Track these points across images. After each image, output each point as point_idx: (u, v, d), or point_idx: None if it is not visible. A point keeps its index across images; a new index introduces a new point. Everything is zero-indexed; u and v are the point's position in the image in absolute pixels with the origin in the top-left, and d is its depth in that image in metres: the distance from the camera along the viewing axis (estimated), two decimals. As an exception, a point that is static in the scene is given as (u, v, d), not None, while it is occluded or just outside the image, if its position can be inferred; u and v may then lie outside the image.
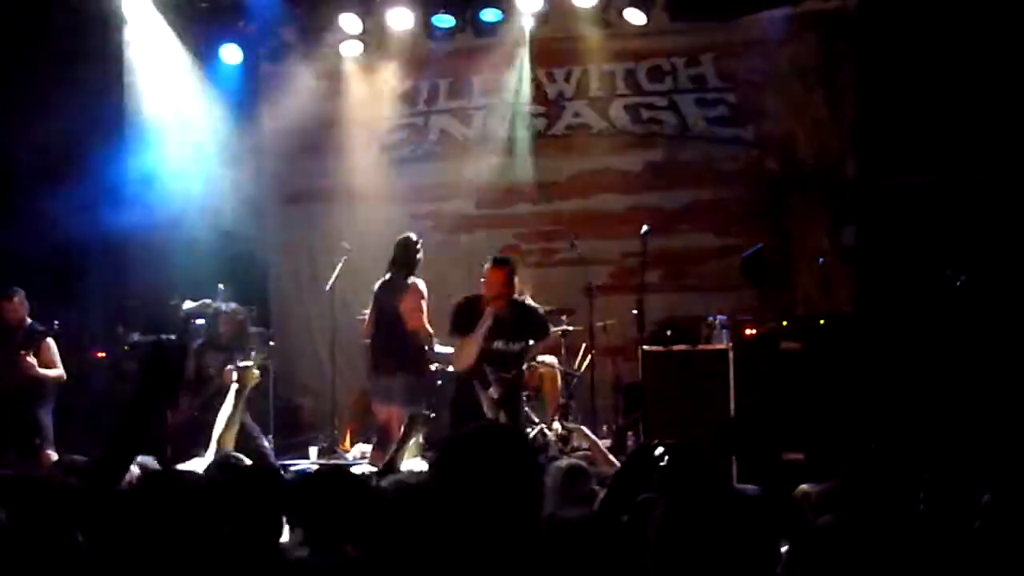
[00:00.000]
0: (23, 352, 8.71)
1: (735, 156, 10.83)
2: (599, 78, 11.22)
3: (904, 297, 8.96)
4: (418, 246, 8.91)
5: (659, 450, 3.67)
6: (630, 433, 9.31)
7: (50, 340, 8.91)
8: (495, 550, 2.59)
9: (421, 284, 8.85)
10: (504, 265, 8.02)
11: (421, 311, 8.77)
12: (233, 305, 9.17)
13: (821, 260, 8.99)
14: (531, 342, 8.25)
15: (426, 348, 8.97)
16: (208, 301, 10.37)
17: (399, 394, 8.67)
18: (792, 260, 10.36)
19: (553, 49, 11.28)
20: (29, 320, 8.97)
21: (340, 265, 9.92)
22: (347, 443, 10.34)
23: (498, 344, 7.96)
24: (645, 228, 8.64)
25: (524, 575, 2.61)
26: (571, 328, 10.01)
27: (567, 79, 11.34)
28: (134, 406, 3.14)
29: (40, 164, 9.83)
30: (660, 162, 11.04)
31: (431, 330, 8.88)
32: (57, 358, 8.98)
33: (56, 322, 8.95)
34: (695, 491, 3.49)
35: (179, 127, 11.03)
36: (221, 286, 10.44)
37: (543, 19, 10.65)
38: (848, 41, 10.23)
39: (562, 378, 9.85)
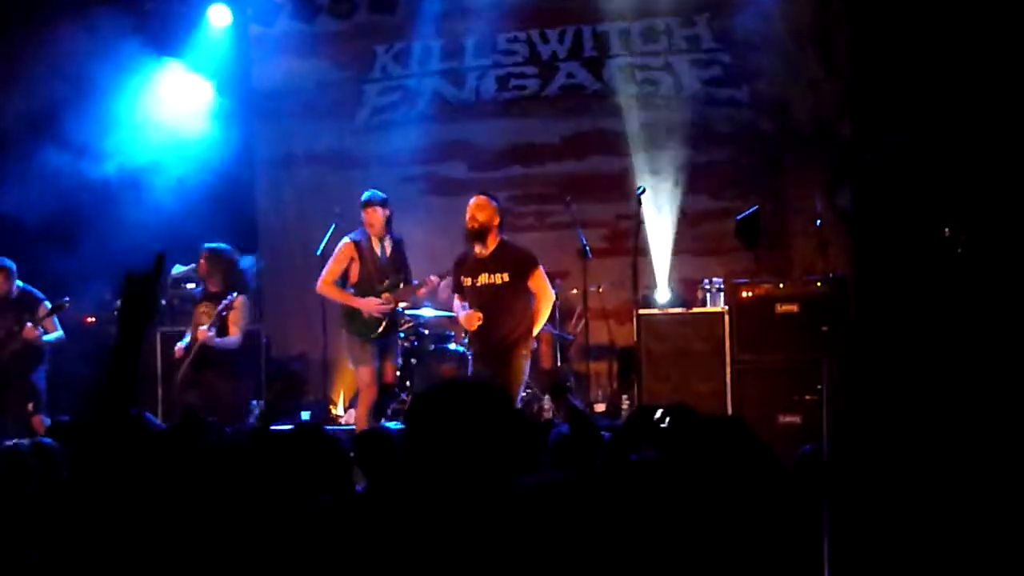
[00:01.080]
0: (27, 324, 8.70)
1: (730, 117, 10.75)
2: (593, 38, 11.11)
3: (902, 258, 8.91)
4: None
5: (658, 412, 3.63)
6: (624, 397, 9.28)
7: (46, 303, 8.87)
8: (468, 507, 2.54)
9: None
10: (481, 195, 8.10)
11: None
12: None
13: (818, 222, 8.90)
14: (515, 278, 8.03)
15: None
16: (195, 266, 10.31)
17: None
18: (787, 222, 10.30)
19: (547, 9, 11.18)
20: (20, 285, 8.92)
21: (331, 229, 9.82)
22: (340, 407, 10.30)
23: (483, 278, 7.95)
24: (641, 189, 8.55)
25: (500, 533, 2.56)
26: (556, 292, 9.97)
27: (560, 39, 11.23)
28: (118, 337, 3.08)
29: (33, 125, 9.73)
30: (654, 123, 10.94)
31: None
32: (56, 321, 8.97)
33: (67, 298, 8.88)
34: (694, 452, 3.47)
35: (170, 91, 10.88)
36: (211, 250, 10.39)
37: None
38: (843, 2, 10.12)
39: (555, 341, 9.82)
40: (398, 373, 8.93)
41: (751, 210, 8.76)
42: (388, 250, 8.55)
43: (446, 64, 11.57)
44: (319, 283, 8.55)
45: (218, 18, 11.13)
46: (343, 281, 8.52)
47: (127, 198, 9.89)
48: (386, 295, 8.41)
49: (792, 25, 10.43)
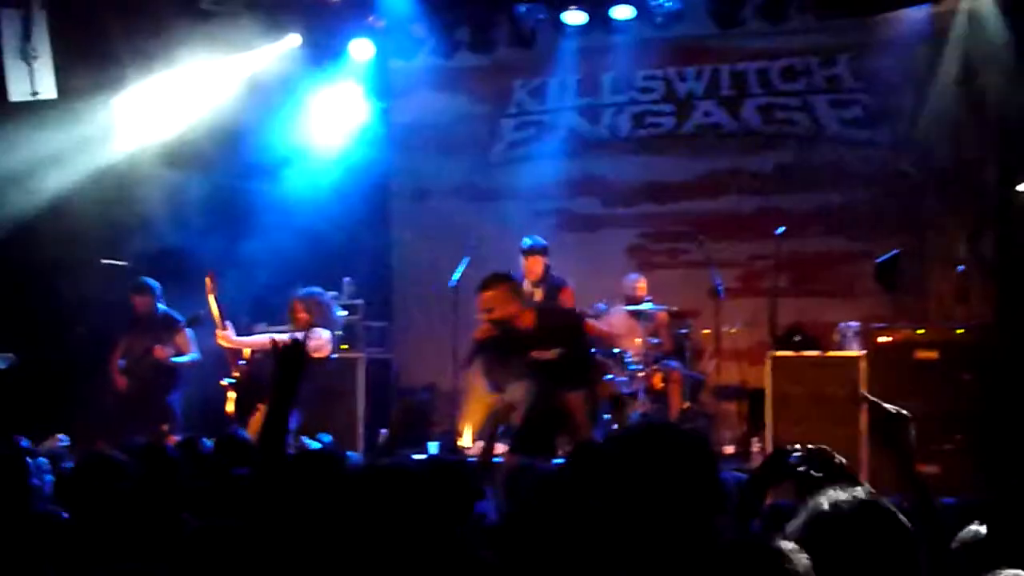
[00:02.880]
0: (157, 346, 8.92)
1: (868, 158, 10.56)
2: (731, 77, 11.05)
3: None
4: None
5: (795, 456, 3.55)
6: (754, 439, 9.13)
7: (187, 330, 9.08)
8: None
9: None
10: (486, 288, 7.19)
11: None
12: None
13: (961, 268, 8.67)
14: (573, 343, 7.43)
15: None
16: (335, 294, 10.48)
17: None
18: (927, 267, 10.05)
19: (684, 47, 11.16)
20: (162, 307, 9.18)
21: (465, 261, 9.89)
22: (468, 440, 10.33)
23: (534, 355, 7.25)
24: (780, 229, 8.42)
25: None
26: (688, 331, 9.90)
27: (698, 77, 11.20)
28: (274, 393, 3.20)
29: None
30: (791, 164, 10.82)
31: None
32: (192, 343, 9.15)
33: (202, 311, 9.03)
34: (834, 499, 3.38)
35: (310, 122, 11.11)
36: (347, 279, 10.56)
37: (675, 17, 10.49)
38: (991, 42, 9.87)
39: (686, 381, 9.73)
40: None
41: (891, 253, 8.57)
42: (539, 296, 8.47)
43: (582, 100, 11.63)
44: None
45: (360, 51, 11.31)
46: None
47: (270, 221, 10.06)
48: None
49: (936, 65, 10.21)
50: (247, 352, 8.40)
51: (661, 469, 2.58)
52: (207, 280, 8.58)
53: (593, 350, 7.92)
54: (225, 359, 8.51)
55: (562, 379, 7.26)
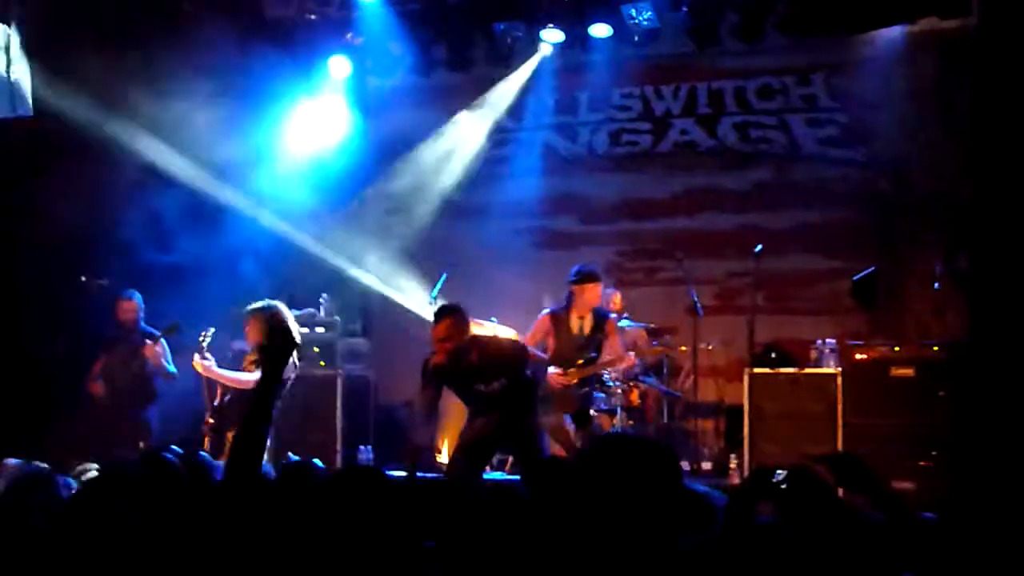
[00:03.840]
0: (148, 344, 8.88)
1: (846, 177, 10.63)
2: (708, 95, 11.11)
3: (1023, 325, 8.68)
4: None
5: (778, 475, 3.57)
6: (732, 456, 9.16)
7: (163, 341, 9.04)
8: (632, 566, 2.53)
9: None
10: (440, 319, 7.16)
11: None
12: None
13: (937, 285, 8.74)
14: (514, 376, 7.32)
15: None
16: (312, 310, 10.49)
17: None
18: (904, 284, 10.12)
19: (662, 66, 11.20)
20: (143, 325, 9.16)
21: (443, 278, 9.91)
22: (445, 455, 10.31)
23: (479, 387, 7.27)
24: (758, 248, 8.47)
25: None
26: (669, 348, 9.93)
27: (675, 96, 11.25)
28: (257, 392, 3.19)
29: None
30: (768, 182, 10.89)
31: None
32: (168, 357, 9.12)
33: (178, 320, 8.99)
34: (817, 516, 3.41)
35: (289, 139, 11.12)
36: (324, 296, 10.56)
37: (652, 35, 10.54)
38: (967, 62, 9.95)
39: (662, 398, 9.76)
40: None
41: (868, 271, 8.63)
42: (588, 327, 8.29)
43: (560, 118, 11.67)
44: None
45: (338, 69, 11.33)
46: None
47: (248, 238, 10.05)
48: (571, 370, 8.18)
49: (912, 85, 10.31)
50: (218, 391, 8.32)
51: (623, 482, 2.60)
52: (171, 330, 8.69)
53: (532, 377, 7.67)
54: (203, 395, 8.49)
55: (507, 410, 7.25)
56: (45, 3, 8.74)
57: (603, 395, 9.18)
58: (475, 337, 7.32)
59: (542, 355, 8.06)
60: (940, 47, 10.16)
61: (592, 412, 8.64)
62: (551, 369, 8.09)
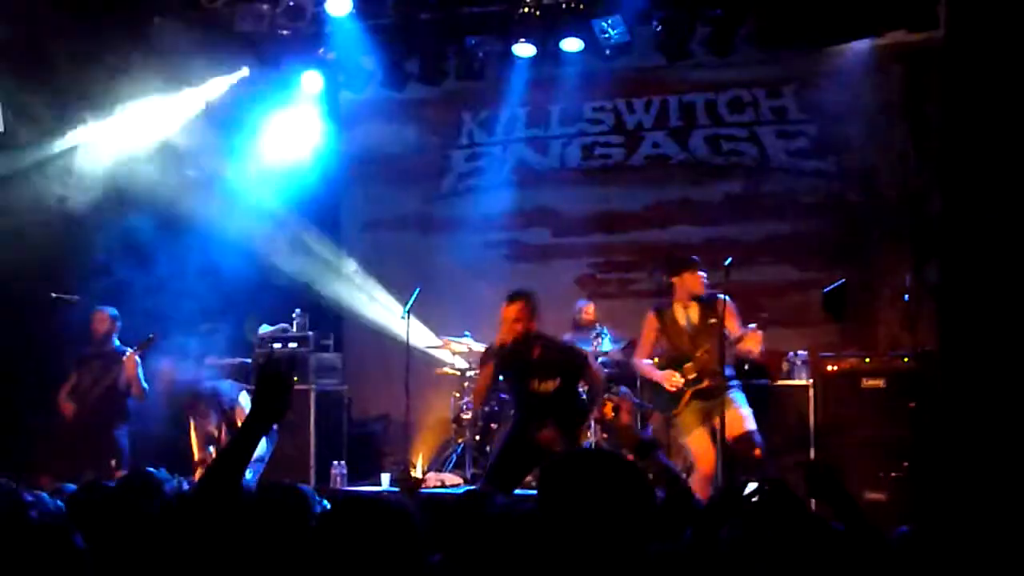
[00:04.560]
0: (130, 352, 8.87)
1: (816, 189, 10.70)
2: (679, 108, 11.16)
3: (992, 336, 8.75)
4: None
5: (749, 487, 3.59)
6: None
7: (136, 357, 9.00)
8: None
9: None
10: (514, 300, 7.38)
11: None
12: None
13: (906, 297, 8.79)
14: (569, 380, 7.56)
15: None
16: (285, 326, 10.47)
17: None
18: (874, 295, 10.18)
19: (633, 79, 11.24)
20: (116, 342, 9.12)
21: (416, 292, 9.91)
22: (419, 471, 10.31)
23: (533, 383, 7.45)
24: (728, 260, 8.47)
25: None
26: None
27: (647, 109, 11.30)
28: (250, 419, 3.16)
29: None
30: (739, 194, 10.94)
31: None
32: (141, 374, 9.08)
33: (152, 334, 9.00)
34: (786, 527, 3.43)
35: (259, 155, 11.09)
36: (298, 311, 10.54)
37: (624, 49, 10.58)
38: (934, 74, 10.05)
39: (636, 410, 9.76)
40: (748, 427, 7.75)
41: (838, 282, 8.67)
42: (696, 316, 7.99)
43: (532, 132, 11.70)
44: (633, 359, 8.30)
45: (310, 84, 11.31)
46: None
47: (221, 253, 10.01)
48: (687, 365, 7.90)
49: (881, 97, 10.39)
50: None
51: (591, 495, 2.62)
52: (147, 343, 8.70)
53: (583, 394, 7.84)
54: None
55: (559, 416, 7.36)
56: (14, 19, 8.69)
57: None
58: (541, 333, 7.45)
59: (602, 371, 8.08)
60: (908, 60, 10.26)
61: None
62: (662, 373, 7.93)
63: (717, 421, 7.56)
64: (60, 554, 2.85)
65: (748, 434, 7.57)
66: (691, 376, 7.86)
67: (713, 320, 7.83)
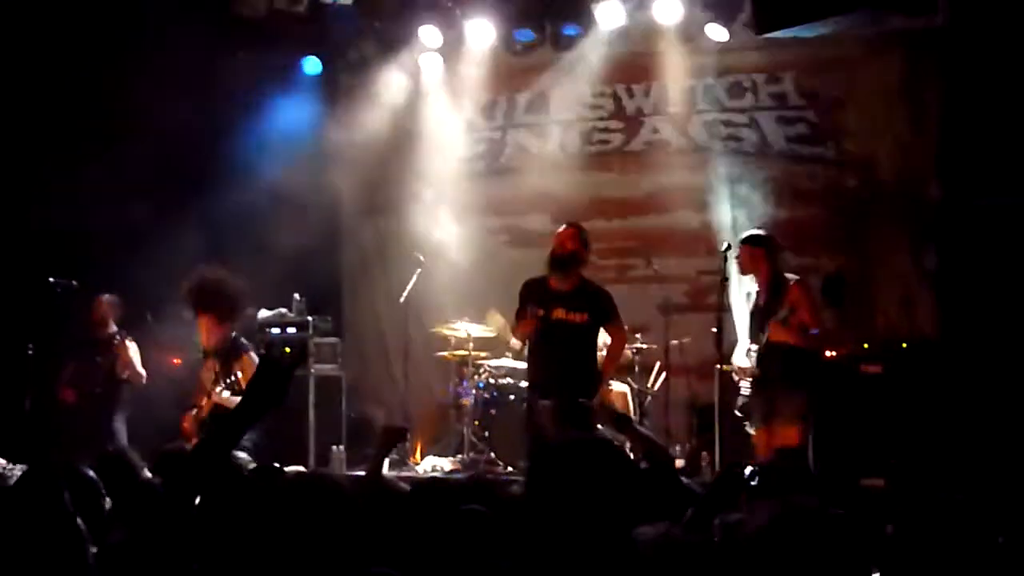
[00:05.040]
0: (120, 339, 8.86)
1: (815, 174, 10.69)
2: (679, 94, 11.14)
3: (991, 322, 8.77)
4: None
5: (748, 471, 3.62)
6: (704, 454, 9.20)
7: (131, 343, 9.00)
8: (589, 560, 2.54)
9: None
10: (571, 227, 7.80)
11: None
12: None
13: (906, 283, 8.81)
14: (594, 320, 7.68)
15: None
16: (283, 311, 10.46)
17: None
18: (872, 281, 10.18)
19: (633, 64, 11.21)
20: (115, 327, 9.12)
21: (415, 277, 9.92)
22: (418, 456, 10.33)
23: (560, 313, 7.58)
24: (726, 245, 8.48)
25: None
26: (645, 346, 9.95)
27: (646, 94, 11.28)
28: (246, 399, 3.15)
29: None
30: (738, 180, 10.91)
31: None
32: (137, 360, 9.08)
33: (149, 316, 9.01)
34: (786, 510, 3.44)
35: (259, 137, 11.07)
36: (297, 296, 10.53)
37: (623, 34, 10.57)
38: (935, 60, 10.04)
39: (635, 396, 9.79)
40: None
41: (837, 268, 8.69)
42: (763, 297, 7.83)
43: (531, 117, 11.67)
44: None
45: (310, 68, 11.30)
46: None
47: (219, 237, 10.01)
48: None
49: (880, 82, 10.38)
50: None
51: (582, 481, 2.63)
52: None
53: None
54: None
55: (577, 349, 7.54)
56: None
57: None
58: (582, 276, 7.68)
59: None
60: (907, 45, 10.23)
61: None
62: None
63: None
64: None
65: None
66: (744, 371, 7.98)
67: (776, 308, 7.72)
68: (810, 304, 7.47)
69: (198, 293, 7.96)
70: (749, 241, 7.79)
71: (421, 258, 10.23)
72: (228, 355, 8.04)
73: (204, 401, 8.11)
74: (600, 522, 2.57)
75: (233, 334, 8.17)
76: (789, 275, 7.75)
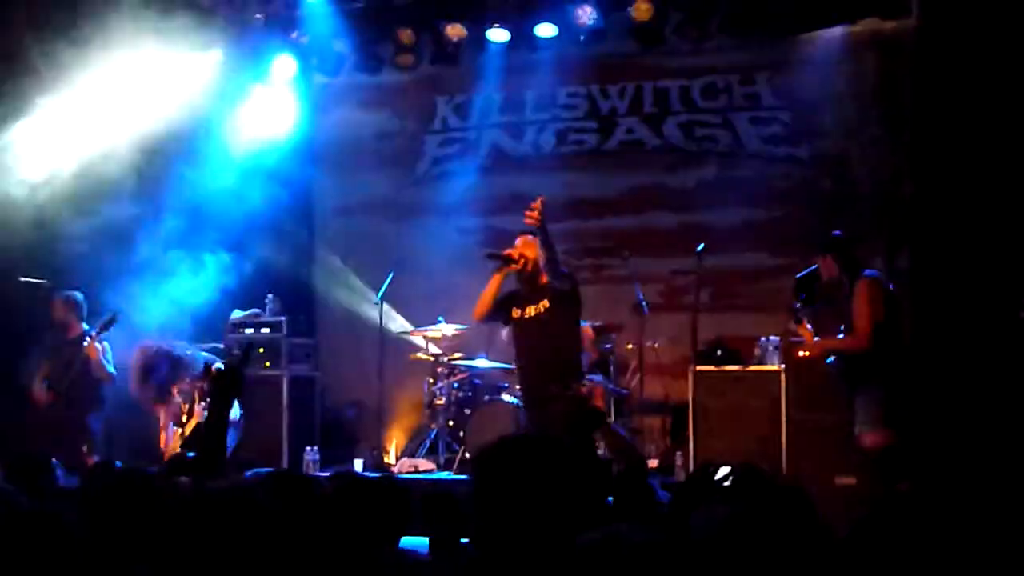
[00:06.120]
0: (91, 342, 8.80)
1: (789, 175, 10.73)
2: (653, 94, 11.16)
3: (963, 321, 8.80)
4: None
5: (723, 470, 3.61)
6: (678, 453, 9.21)
7: (101, 343, 8.94)
8: (532, 564, 2.52)
9: None
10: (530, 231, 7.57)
11: None
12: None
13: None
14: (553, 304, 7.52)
15: None
16: (257, 311, 10.42)
17: None
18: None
19: (607, 65, 11.24)
20: (85, 326, 9.06)
21: (389, 277, 9.89)
22: (392, 455, 10.32)
23: (528, 311, 7.51)
24: (701, 246, 8.50)
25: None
26: (612, 346, 9.98)
27: (621, 95, 11.30)
28: (212, 410, 3.22)
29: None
30: (713, 180, 10.96)
31: None
32: (108, 357, 9.02)
33: (117, 311, 8.95)
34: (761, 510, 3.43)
35: (231, 138, 11.02)
36: (270, 296, 10.49)
37: (598, 35, 10.57)
38: (908, 61, 10.08)
39: (609, 396, 9.79)
40: None
41: (810, 268, 8.69)
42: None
43: (506, 117, 11.68)
44: None
45: (284, 68, 11.25)
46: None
47: (192, 236, 9.95)
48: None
49: (854, 84, 10.43)
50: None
51: (523, 480, 2.61)
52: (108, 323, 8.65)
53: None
54: None
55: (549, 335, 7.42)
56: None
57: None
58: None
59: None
60: (881, 47, 10.30)
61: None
62: None
63: None
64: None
65: None
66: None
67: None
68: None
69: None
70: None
71: (395, 261, 10.22)
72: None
73: (186, 420, 8.27)
74: (544, 522, 2.55)
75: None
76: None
